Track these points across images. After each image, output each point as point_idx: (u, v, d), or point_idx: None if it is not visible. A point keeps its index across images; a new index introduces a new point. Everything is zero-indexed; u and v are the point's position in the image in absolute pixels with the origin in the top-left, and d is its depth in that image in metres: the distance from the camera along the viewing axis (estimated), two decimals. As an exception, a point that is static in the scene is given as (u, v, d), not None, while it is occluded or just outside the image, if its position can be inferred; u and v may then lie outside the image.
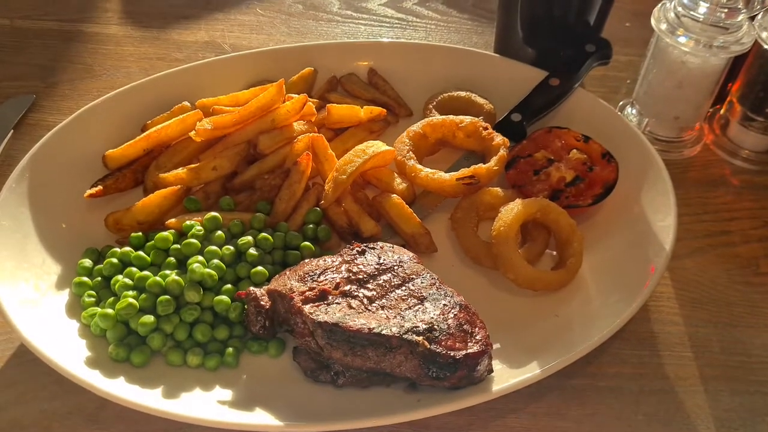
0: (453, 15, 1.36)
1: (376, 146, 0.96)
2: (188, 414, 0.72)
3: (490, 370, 0.75)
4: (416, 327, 0.73)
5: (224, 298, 0.81)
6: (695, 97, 1.05)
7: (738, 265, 0.96)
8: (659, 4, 1.03)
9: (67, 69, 1.19)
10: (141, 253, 0.85)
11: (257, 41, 1.27)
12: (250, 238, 0.86)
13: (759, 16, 1.01)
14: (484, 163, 0.96)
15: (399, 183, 0.96)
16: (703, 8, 0.98)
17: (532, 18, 1.11)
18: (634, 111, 1.13)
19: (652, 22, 1.02)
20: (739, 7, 0.96)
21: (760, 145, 1.09)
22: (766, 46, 1.01)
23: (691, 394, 0.83)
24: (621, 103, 1.17)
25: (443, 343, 0.72)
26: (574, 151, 0.98)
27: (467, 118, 1.00)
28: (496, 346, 0.78)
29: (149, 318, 0.78)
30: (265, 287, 0.80)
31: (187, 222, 0.87)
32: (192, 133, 0.95)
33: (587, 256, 0.89)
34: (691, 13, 0.98)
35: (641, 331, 0.88)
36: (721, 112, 1.13)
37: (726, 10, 0.97)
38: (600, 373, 0.84)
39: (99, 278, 0.84)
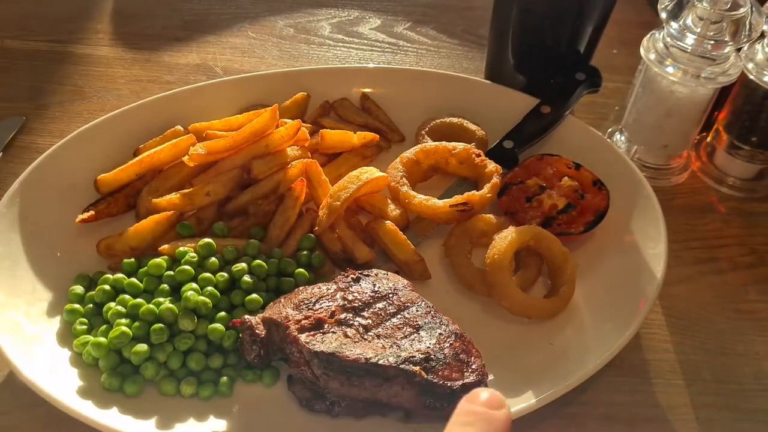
0: (444, 40, 1.37)
1: (370, 172, 0.96)
2: (182, 445, 0.71)
3: (486, 400, 0.75)
4: (413, 357, 0.73)
5: (219, 326, 0.80)
6: (684, 126, 1.07)
7: (727, 292, 0.98)
8: (648, 35, 1.05)
9: (57, 91, 1.18)
10: (134, 279, 0.84)
11: (249, 64, 1.27)
12: (244, 265, 0.86)
13: (745, 48, 1.03)
14: (477, 190, 0.96)
15: (393, 209, 0.96)
16: (690, 39, 1.00)
17: (523, 46, 1.13)
18: (622, 138, 1.15)
19: (641, 51, 1.04)
20: (726, 39, 0.98)
21: (746, 173, 1.11)
22: (751, 77, 1.03)
23: (684, 422, 0.83)
24: (610, 129, 1.18)
25: (440, 373, 0.72)
26: (566, 178, 0.99)
27: (460, 145, 1.01)
28: (491, 375, 0.78)
29: (142, 347, 0.77)
30: (261, 315, 0.80)
31: (181, 248, 0.87)
32: (185, 158, 0.94)
33: (579, 284, 0.89)
34: (679, 43, 1.00)
35: (633, 359, 0.89)
36: (708, 139, 1.15)
37: (713, 42, 0.99)
38: (593, 401, 0.84)
39: (91, 305, 0.83)
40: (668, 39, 1.01)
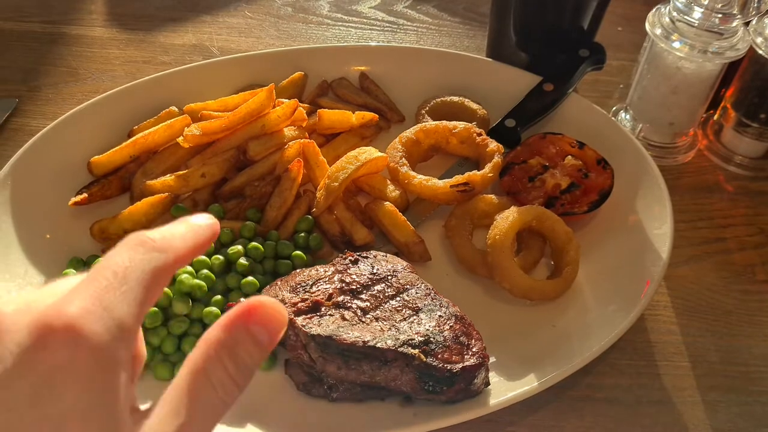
0: (444, 18, 1.34)
1: (369, 153, 0.94)
2: (177, 430, 0.69)
3: (487, 383, 0.74)
4: (412, 339, 0.71)
5: (214, 309, 0.79)
6: (690, 103, 1.04)
7: (734, 272, 0.95)
8: (654, 9, 1.02)
9: (50, 72, 1.16)
10: (127, 263, 0.83)
11: (246, 44, 1.25)
12: (240, 247, 0.84)
13: (754, 22, 1.00)
14: (479, 170, 0.94)
15: (392, 190, 0.94)
16: (697, 13, 0.97)
17: (525, 23, 1.10)
18: (627, 116, 1.12)
19: (647, 26, 1.01)
20: (734, 12, 0.95)
21: (754, 151, 1.09)
22: (760, 52, 1.00)
23: (690, 405, 0.81)
24: (614, 108, 1.16)
25: (439, 356, 0.71)
26: (569, 157, 0.97)
27: (461, 124, 0.99)
28: (492, 358, 0.76)
29: (136, 331, 0.75)
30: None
31: (175, 231, 0.85)
32: (180, 139, 0.93)
33: (583, 265, 0.87)
34: (686, 17, 0.97)
35: (638, 341, 0.87)
36: (715, 117, 1.13)
37: (721, 15, 0.96)
38: (597, 384, 0.82)
39: (84, 289, 0.82)
40: (674, 13, 0.99)
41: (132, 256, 0.38)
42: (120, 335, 0.35)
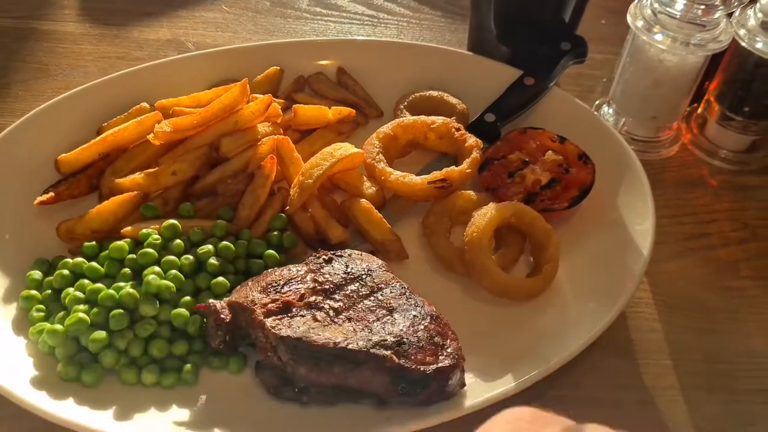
0: (425, 12, 1.32)
1: (345, 149, 0.92)
2: (142, 437, 0.67)
3: (463, 384, 0.72)
4: (384, 340, 0.69)
5: (182, 311, 0.76)
6: (673, 96, 1.03)
7: (718, 269, 0.94)
8: (635, 1, 1.00)
9: (20, 69, 1.13)
10: (94, 263, 0.80)
11: (222, 39, 1.22)
12: (210, 246, 0.82)
13: (736, 13, 0.98)
14: (457, 166, 0.92)
15: (368, 187, 0.92)
16: (679, 5, 0.95)
17: (506, 15, 1.08)
18: (610, 110, 1.10)
19: (629, 19, 0.99)
20: (716, 3, 0.94)
21: (738, 145, 1.07)
22: (743, 44, 0.98)
23: (672, 403, 0.80)
24: (597, 102, 1.14)
25: (413, 357, 0.69)
26: (550, 152, 0.95)
27: (439, 119, 0.97)
28: (468, 358, 0.74)
29: (101, 334, 0.73)
30: (226, 299, 0.76)
31: (144, 230, 0.82)
32: (150, 136, 0.90)
33: (563, 262, 0.86)
34: (668, 9, 0.96)
35: (619, 339, 0.85)
36: (699, 111, 1.11)
37: (703, 7, 0.94)
38: (578, 383, 0.81)
39: (49, 291, 0.79)
40: (656, 5, 0.97)
41: None
42: None
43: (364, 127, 1.04)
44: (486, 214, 0.84)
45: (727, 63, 1.03)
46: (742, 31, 0.98)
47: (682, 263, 0.94)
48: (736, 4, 0.94)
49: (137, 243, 0.83)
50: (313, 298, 0.74)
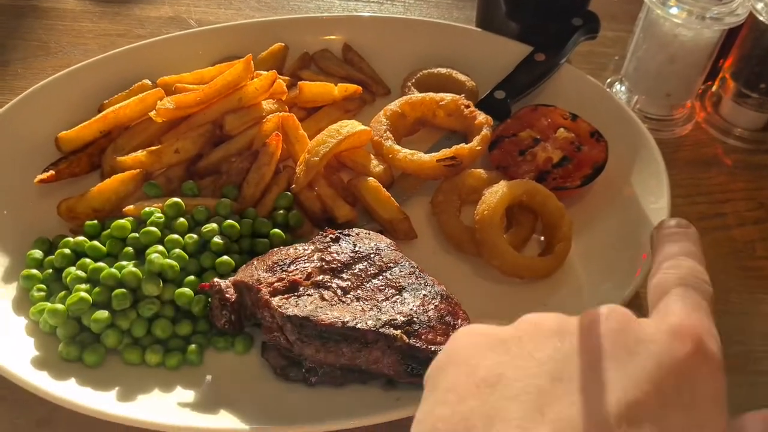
0: (432, -11, 1.29)
1: (351, 126, 0.89)
2: (146, 418, 0.66)
3: (475, 365, 0.70)
4: (394, 320, 0.67)
5: (186, 290, 0.75)
6: (687, 73, 1.00)
7: (733, 249, 0.92)
8: (650, -26, 0.98)
9: (19, 46, 1.11)
10: (96, 242, 0.78)
11: (225, 16, 1.20)
12: (215, 225, 0.80)
13: (754, -14, 0.96)
14: (467, 143, 0.90)
15: (376, 165, 0.90)
16: (696, -23, 0.92)
17: (516, -10, 1.05)
18: (623, 88, 1.08)
19: (643, -8, 0.97)
20: (734, -25, 0.91)
21: (754, 123, 1.04)
22: (761, 18, 0.95)
23: (687, 386, 0.78)
24: (609, 80, 1.11)
25: (423, 337, 0.67)
26: (561, 129, 0.93)
27: (448, 96, 0.94)
28: (480, 338, 0.72)
29: (103, 314, 0.71)
30: (231, 278, 0.74)
31: (147, 209, 0.81)
32: (152, 113, 0.88)
33: (576, 241, 0.83)
34: (684, -18, 0.93)
35: (633, 320, 0.83)
36: (714, 88, 1.08)
37: (720, -21, 0.92)
38: (591, 365, 0.79)
39: (50, 270, 0.78)
40: (672, -23, 0.94)
41: (686, 284, 0.46)
42: (721, 362, 0.41)
43: (371, 105, 1.02)
44: (497, 193, 0.82)
45: (743, 38, 1.00)
46: (759, 5, 0.95)
47: (697, 243, 0.92)
48: (754, -24, 0.92)
49: (140, 222, 0.81)
50: (320, 277, 0.72)
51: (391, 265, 0.74)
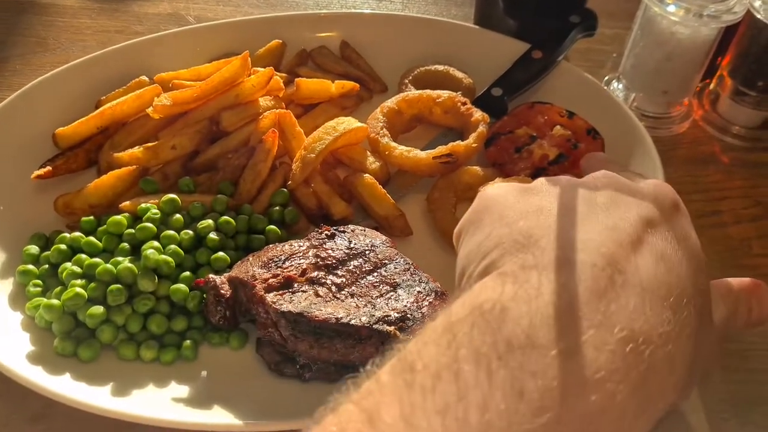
0: (431, -14, 1.29)
1: (348, 123, 0.90)
2: (141, 413, 0.66)
3: (468, 362, 0.70)
4: (388, 316, 0.68)
5: (182, 286, 0.75)
6: (685, 70, 1.00)
7: (730, 246, 0.92)
8: (647, -29, 0.97)
9: (18, 43, 1.11)
10: (92, 238, 0.79)
11: (224, 13, 1.20)
12: (210, 221, 0.80)
13: (752, -16, 0.95)
14: (463, 140, 0.90)
15: (372, 162, 0.90)
16: (693, -25, 0.92)
17: (514, -13, 1.05)
18: (620, 86, 1.08)
19: (640, -10, 0.97)
20: (732, -27, 0.91)
21: (751, 121, 1.04)
22: (759, 16, 0.95)
23: (681, 383, 0.78)
24: (607, 77, 1.11)
25: (417, 334, 0.67)
26: (558, 127, 0.93)
27: (445, 93, 0.95)
28: (474, 335, 0.72)
29: (98, 309, 0.71)
30: (226, 275, 0.74)
31: (143, 204, 0.81)
32: (149, 110, 0.88)
33: (572, 239, 0.83)
34: (681, -20, 0.93)
35: (628, 318, 0.83)
36: (711, 86, 1.08)
37: (718, -23, 0.91)
38: (585, 363, 0.79)
39: (46, 266, 0.78)
40: (669, -25, 0.94)
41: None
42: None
43: (368, 102, 1.02)
44: (492, 190, 0.82)
45: (741, 36, 1.00)
46: (757, 3, 0.95)
47: (693, 241, 0.92)
48: (751, -26, 0.92)
49: (136, 218, 0.81)
50: (315, 274, 0.72)
51: (386, 261, 0.74)
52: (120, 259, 0.75)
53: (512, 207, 0.52)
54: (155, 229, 0.78)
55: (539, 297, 0.42)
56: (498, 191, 0.55)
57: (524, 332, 0.40)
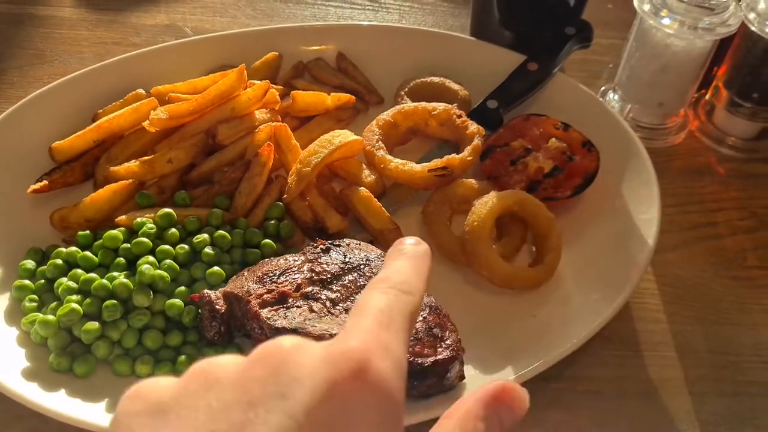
0: (428, -3, 1.30)
1: (344, 136, 0.90)
2: (135, 429, 0.66)
3: (462, 377, 0.70)
4: (382, 332, 0.68)
5: (177, 301, 0.75)
6: (680, 82, 1.00)
7: (725, 258, 0.92)
8: (642, -16, 0.98)
9: (16, 55, 1.12)
10: (88, 253, 0.79)
11: (221, 24, 1.20)
12: (206, 236, 0.80)
13: (746, -4, 0.96)
14: (458, 153, 0.90)
15: (367, 175, 0.90)
16: (688, -13, 0.93)
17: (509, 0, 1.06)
18: (616, 97, 1.08)
19: (635, 2, 0.97)
20: (726, -14, 0.91)
21: (747, 132, 1.05)
22: (753, 28, 0.96)
23: (676, 396, 0.78)
24: (603, 88, 1.11)
25: (410, 349, 0.67)
26: (553, 139, 0.93)
27: (440, 106, 0.95)
28: (469, 350, 0.72)
29: (93, 324, 0.72)
30: (221, 290, 0.75)
31: (139, 219, 0.81)
32: (146, 123, 0.88)
33: (566, 252, 0.84)
34: (676, -8, 0.93)
35: (623, 330, 0.83)
36: (707, 97, 1.09)
37: (712, -10, 0.92)
38: (580, 376, 0.79)
39: (42, 281, 0.78)
40: (663, -12, 0.94)
41: (387, 299, 0.39)
42: (401, 376, 0.36)
43: (364, 114, 1.02)
44: (487, 203, 0.83)
45: (735, 48, 1.00)
46: (751, 15, 0.96)
47: (688, 253, 0.92)
48: (745, -14, 0.92)
49: (132, 232, 0.81)
50: (309, 289, 0.72)
51: (381, 276, 0.74)
52: (115, 274, 0.76)
53: None
54: (150, 244, 0.78)
55: None
56: (129, 406, 0.37)
57: None
